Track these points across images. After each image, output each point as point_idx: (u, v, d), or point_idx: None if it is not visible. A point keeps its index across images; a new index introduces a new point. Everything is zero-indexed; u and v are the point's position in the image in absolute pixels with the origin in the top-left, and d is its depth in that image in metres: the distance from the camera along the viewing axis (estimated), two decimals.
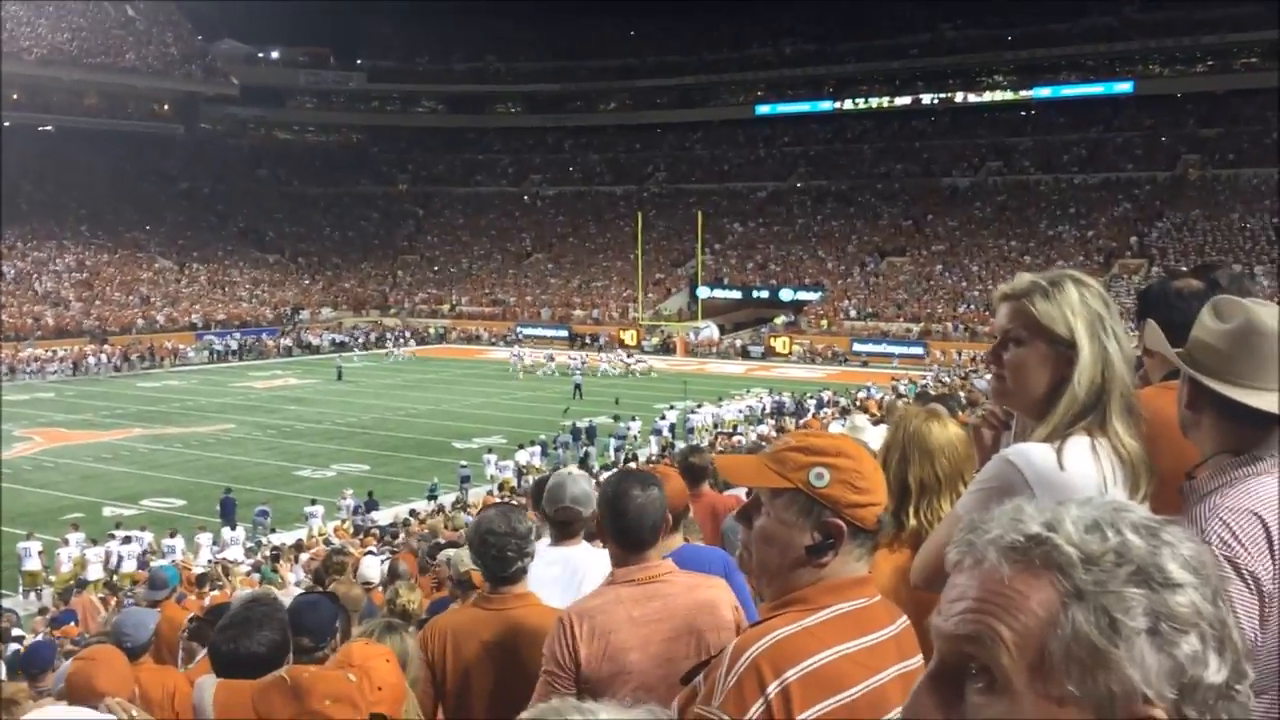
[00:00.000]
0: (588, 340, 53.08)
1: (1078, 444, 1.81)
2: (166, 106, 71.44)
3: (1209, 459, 1.82)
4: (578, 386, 38.15)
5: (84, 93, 66.51)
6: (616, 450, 27.55)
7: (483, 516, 3.49)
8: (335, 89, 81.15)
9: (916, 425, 2.77)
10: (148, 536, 19.52)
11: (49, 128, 65.85)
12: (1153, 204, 56.27)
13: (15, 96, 63.32)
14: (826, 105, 72.53)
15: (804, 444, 1.84)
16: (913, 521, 2.65)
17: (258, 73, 76.94)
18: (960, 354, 42.86)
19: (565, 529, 3.66)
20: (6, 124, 61.84)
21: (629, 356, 47.45)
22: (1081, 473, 1.77)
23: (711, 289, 57.60)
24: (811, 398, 33.76)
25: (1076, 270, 1.99)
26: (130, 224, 60.25)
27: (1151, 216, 55.14)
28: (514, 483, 23.78)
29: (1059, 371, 1.87)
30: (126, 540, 18.93)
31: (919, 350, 47.17)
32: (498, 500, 15.28)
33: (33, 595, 18.29)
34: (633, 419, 29.84)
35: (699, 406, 32.08)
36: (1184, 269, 2.83)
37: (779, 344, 50.92)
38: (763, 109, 74.58)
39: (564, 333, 55.27)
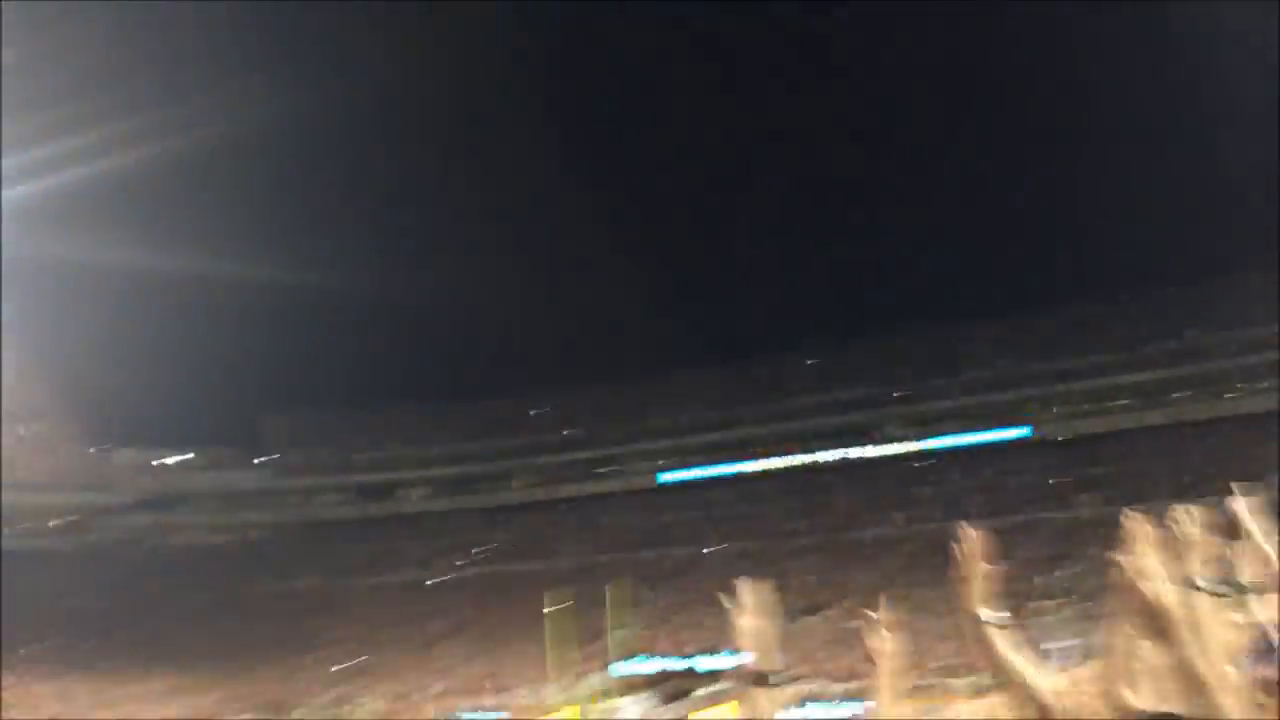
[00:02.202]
0: None
1: None
2: (57, 522, 70.13)
3: None
4: None
5: None
6: None
7: None
8: (233, 488, 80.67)
9: None
10: None
11: None
12: (1054, 543, 56.93)
13: None
14: (729, 469, 73.95)
15: None
16: None
17: (153, 479, 76.49)
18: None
19: None
20: None
21: None
22: None
23: (631, 661, 55.89)
24: None
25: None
26: (10, 649, 57.00)
27: (1055, 557, 55.64)
28: None
29: None
30: None
31: (856, 709, 45.28)
32: None
33: None
34: None
35: None
36: None
37: (714, 713, 48.78)
38: (666, 476, 75.65)
39: None
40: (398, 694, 58.86)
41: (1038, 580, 53.65)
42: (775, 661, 2.52)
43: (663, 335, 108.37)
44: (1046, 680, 2.21)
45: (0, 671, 54.96)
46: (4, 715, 50.81)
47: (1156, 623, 2.01)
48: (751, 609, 2.61)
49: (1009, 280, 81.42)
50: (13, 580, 62.94)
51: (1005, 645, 2.27)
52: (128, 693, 56.81)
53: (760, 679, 2.48)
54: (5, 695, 52.96)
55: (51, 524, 70.27)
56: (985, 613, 2.31)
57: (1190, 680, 1.89)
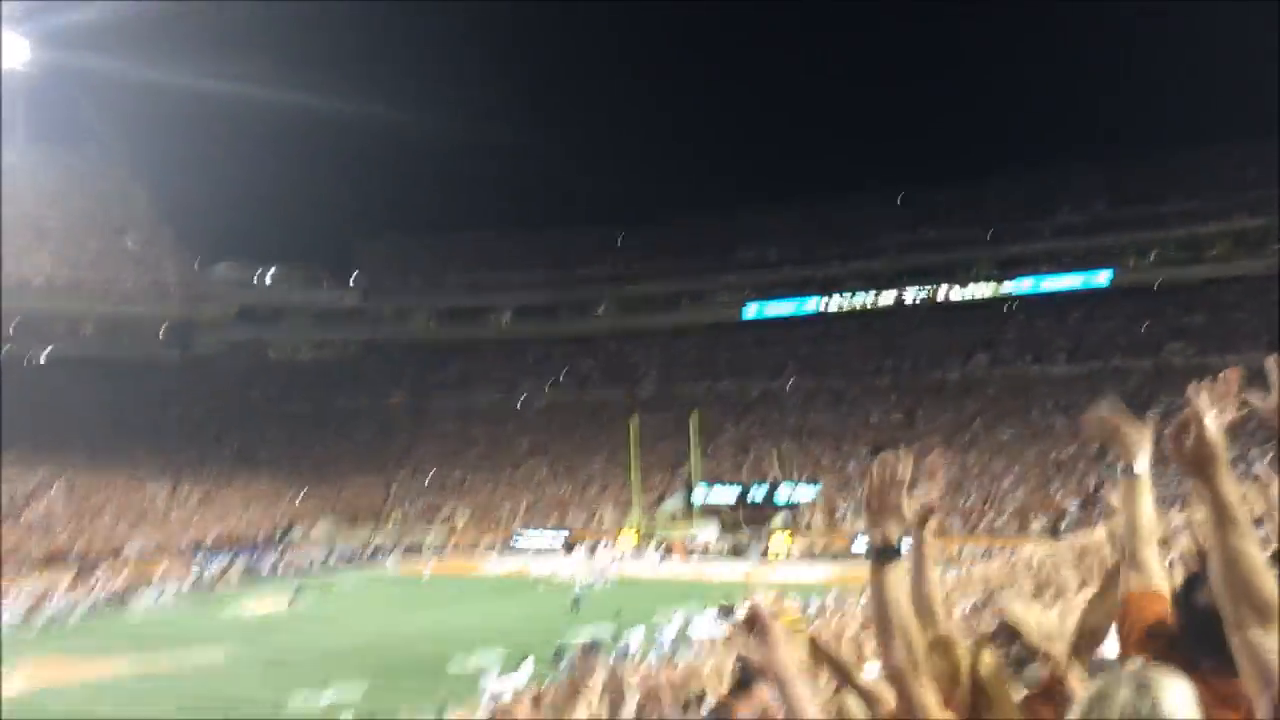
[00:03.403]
0: (586, 547, 52.46)
1: None
2: (163, 332, 72.47)
3: None
4: (577, 600, 37.36)
5: (81, 322, 67.59)
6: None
7: None
8: (329, 307, 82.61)
9: None
10: None
11: (43, 359, 66.55)
12: (1141, 392, 56.56)
13: (12, 330, 64.16)
14: (813, 305, 73.91)
15: None
16: None
17: (253, 294, 78.50)
18: (961, 550, 42.09)
19: None
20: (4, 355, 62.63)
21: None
22: None
23: (708, 488, 57.27)
24: (817, 599, 32.97)
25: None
26: (123, 450, 60.08)
27: (1141, 405, 55.30)
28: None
29: None
30: None
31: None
32: None
33: None
34: (632, 632, 29.05)
35: (700, 615, 31.30)
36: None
37: (779, 543, 50.29)
38: (750, 311, 75.92)
39: (561, 539, 54.70)
40: (485, 507, 61.14)
41: None
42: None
43: (751, 171, 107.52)
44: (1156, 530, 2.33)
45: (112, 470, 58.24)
46: (123, 505, 54.16)
47: (1202, 459, 2.09)
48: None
49: (1103, 123, 78.98)
50: (122, 388, 65.94)
51: (1143, 494, 2.43)
52: (234, 495, 59.86)
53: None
54: (122, 494, 56.29)
55: (156, 334, 72.45)
56: (1138, 462, 2.47)
57: (1224, 516, 1.99)
